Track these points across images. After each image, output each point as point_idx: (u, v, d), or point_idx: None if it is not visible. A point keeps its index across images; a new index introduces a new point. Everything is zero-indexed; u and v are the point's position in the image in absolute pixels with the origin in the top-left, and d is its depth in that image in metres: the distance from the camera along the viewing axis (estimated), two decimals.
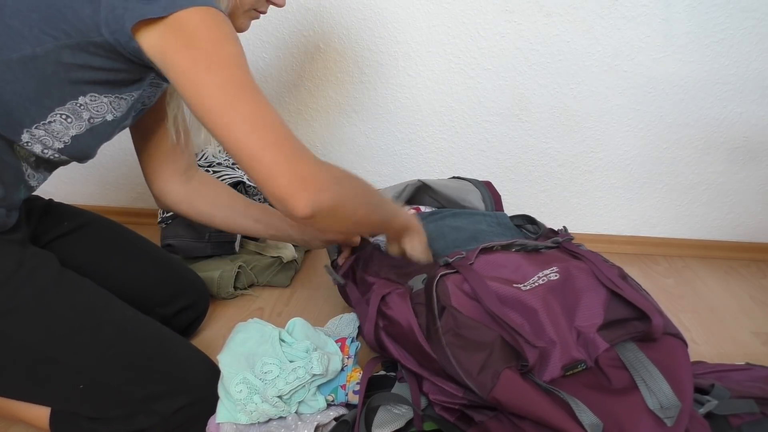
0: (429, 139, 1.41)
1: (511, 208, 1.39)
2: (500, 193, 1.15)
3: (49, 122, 0.67)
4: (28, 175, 0.73)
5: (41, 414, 0.77)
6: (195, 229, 1.27)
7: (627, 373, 0.63)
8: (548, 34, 1.26)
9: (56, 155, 0.71)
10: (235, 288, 1.19)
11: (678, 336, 0.67)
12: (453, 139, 1.40)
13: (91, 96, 0.67)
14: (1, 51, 0.61)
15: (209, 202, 0.94)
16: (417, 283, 0.78)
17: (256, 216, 0.96)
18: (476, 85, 1.33)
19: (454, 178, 1.21)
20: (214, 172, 1.31)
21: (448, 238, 0.95)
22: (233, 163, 1.35)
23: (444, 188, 1.13)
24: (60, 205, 0.92)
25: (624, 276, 0.74)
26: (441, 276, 0.75)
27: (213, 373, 0.78)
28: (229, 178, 1.29)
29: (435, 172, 1.45)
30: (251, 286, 1.23)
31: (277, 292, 1.23)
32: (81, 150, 0.72)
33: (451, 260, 0.78)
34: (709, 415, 0.66)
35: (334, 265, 1.00)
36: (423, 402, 0.73)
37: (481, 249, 0.80)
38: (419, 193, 1.15)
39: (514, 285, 0.72)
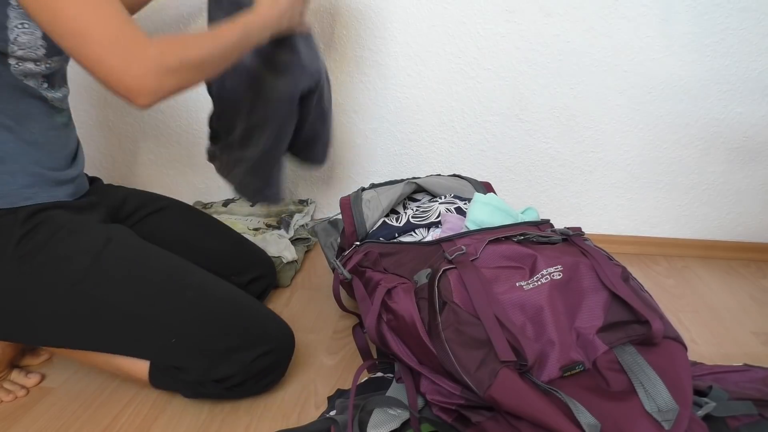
0: (429, 139, 1.41)
1: None
2: (501, 193, 1.15)
3: (15, 38, 0.70)
4: (49, 98, 0.80)
5: (142, 368, 0.85)
6: None
7: (625, 376, 0.63)
8: (548, 34, 1.26)
9: (49, 62, 0.77)
10: None
11: (677, 339, 0.67)
12: (453, 139, 1.40)
13: None
14: None
15: None
16: (422, 277, 0.78)
17: None
18: (476, 85, 1.33)
19: (453, 176, 1.20)
20: None
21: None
22: None
23: (439, 188, 1.12)
24: (135, 191, 1.06)
25: (627, 277, 0.74)
26: (444, 271, 0.75)
27: (284, 328, 0.87)
28: None
29: (435, 172, 1.45)
30: None
31: (277, 292, 1.23)
32: None
33: (451, 257, 0.78)
34: (707, 417, 0.66)
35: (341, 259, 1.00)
36: (420, 403, 0.73)
37: (489, 241, 0.79)
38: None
39: (517, 284, 0.72)
